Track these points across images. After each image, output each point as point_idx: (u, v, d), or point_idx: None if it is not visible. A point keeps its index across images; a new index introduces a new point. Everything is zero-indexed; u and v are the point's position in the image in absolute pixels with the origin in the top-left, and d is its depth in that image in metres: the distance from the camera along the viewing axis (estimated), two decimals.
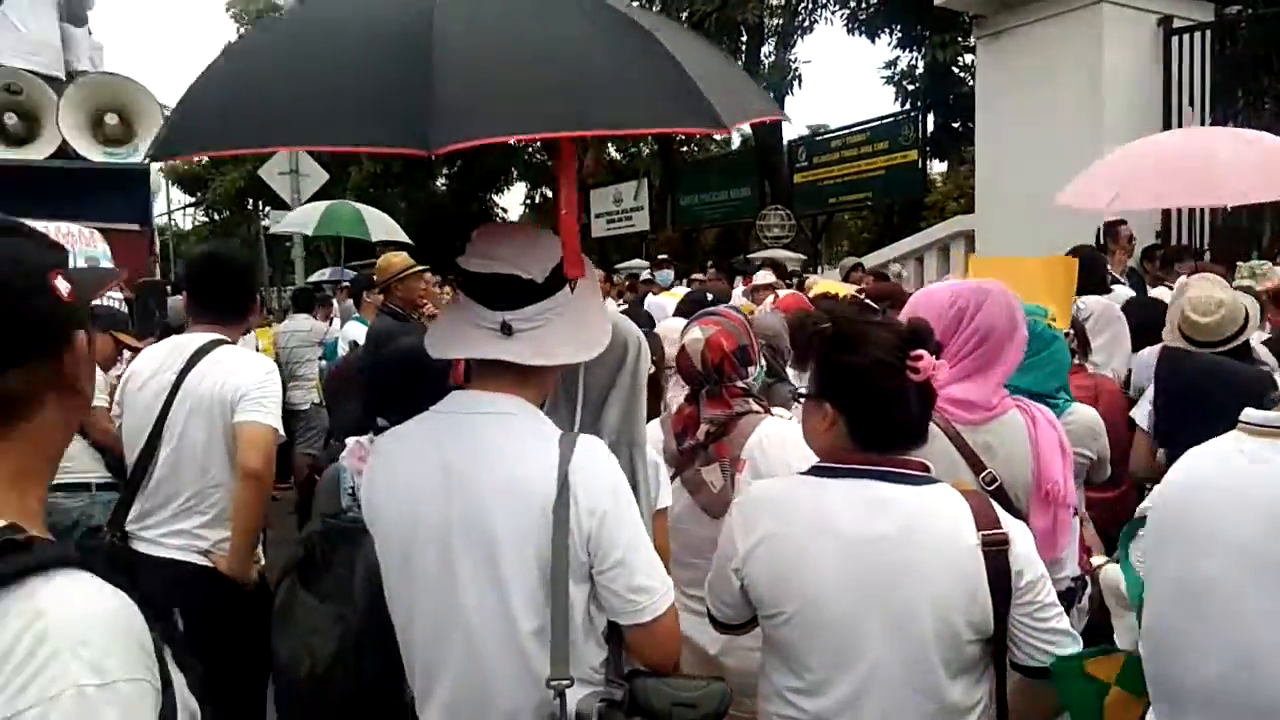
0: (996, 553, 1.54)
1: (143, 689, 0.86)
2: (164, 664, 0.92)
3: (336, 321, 8.44)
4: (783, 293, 6.36)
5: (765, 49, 20.02)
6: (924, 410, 1.64)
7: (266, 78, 1.38)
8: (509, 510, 1.47)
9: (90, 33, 6.21)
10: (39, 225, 3.54)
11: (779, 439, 2.35)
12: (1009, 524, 1.59)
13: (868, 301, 5.25)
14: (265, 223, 25.59)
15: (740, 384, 2.45)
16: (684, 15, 17.82)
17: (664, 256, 13.14)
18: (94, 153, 5.38)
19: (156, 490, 2.73)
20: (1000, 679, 1.63)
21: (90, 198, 5.36)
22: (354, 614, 1.91)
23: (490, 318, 1.52)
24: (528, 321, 1.51)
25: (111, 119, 5.40)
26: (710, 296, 5.95)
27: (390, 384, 2.16)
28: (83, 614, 0.86)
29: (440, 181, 27.42)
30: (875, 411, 1.61)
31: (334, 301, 9.49)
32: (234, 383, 2.72)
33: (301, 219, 9.96)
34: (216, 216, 32.61)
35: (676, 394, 2.94)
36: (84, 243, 4.69)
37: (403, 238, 9.58)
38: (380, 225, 9.59)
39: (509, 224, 2.25)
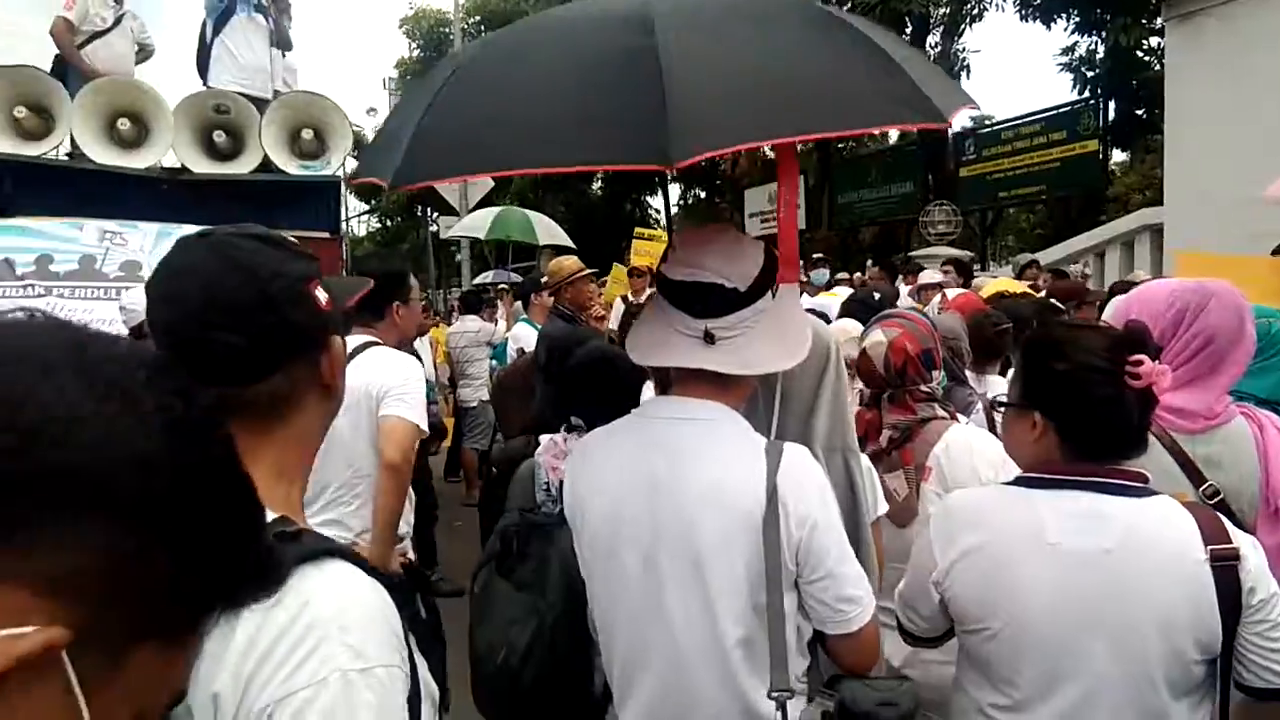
0: (1226, 568, 1.44)
1: (395, 674, 0.91)
2: (410, 649, 0.98)
3: (501, 323, 8.78)
4: (953, 292, 6.13)
5: (931, 39, 19.37)
6: (1143, 418, 1.55)
7: (499, 103, 1.45)
8: (715, 518, 1.47)
9: (284, 55, 6.69)
10: None
11: (965, 446, 2.28)
12: (1239, 538, 1.48)
13: (1053, 301, 5.01)
14: (433, 228, 26.97)
15: (924, 388, 2.39)
16: (845, 9, 17.46)
17: (820, 256, 12.91)
18: (291, 166, 5.77)
19: (312, 481, 2.91)
20: (1224, 699, 1.51)
21: (288, 208, 5.75)
22: (548, 606, 1.98)
23: (693, 325, 1.52)
24: (730, 330, 1.51)
25: (307, 134, 5.79)
26: (877, 296, 5.78)
27: (580, 384, 2.23)
28: (346, 601, 0.91)
29: (595, 185, 28.00)
30: (1090, 420, 1.53)
31: (499, 303, 9.87)
32: (379, 380, 2.88)
33: (474, 224, 10.46)
34: (389, 222, 34.53)
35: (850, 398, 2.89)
36: None
37: (566, 241, 9.88)
38: (546, 230, 9.94)
39: (709, 229, 2.24)
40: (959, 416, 2.51)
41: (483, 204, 13.25)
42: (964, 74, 18.56)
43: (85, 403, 0.47)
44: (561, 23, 1.59)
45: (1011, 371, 1.99)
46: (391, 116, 1.91)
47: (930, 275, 7.93)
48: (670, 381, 1.64)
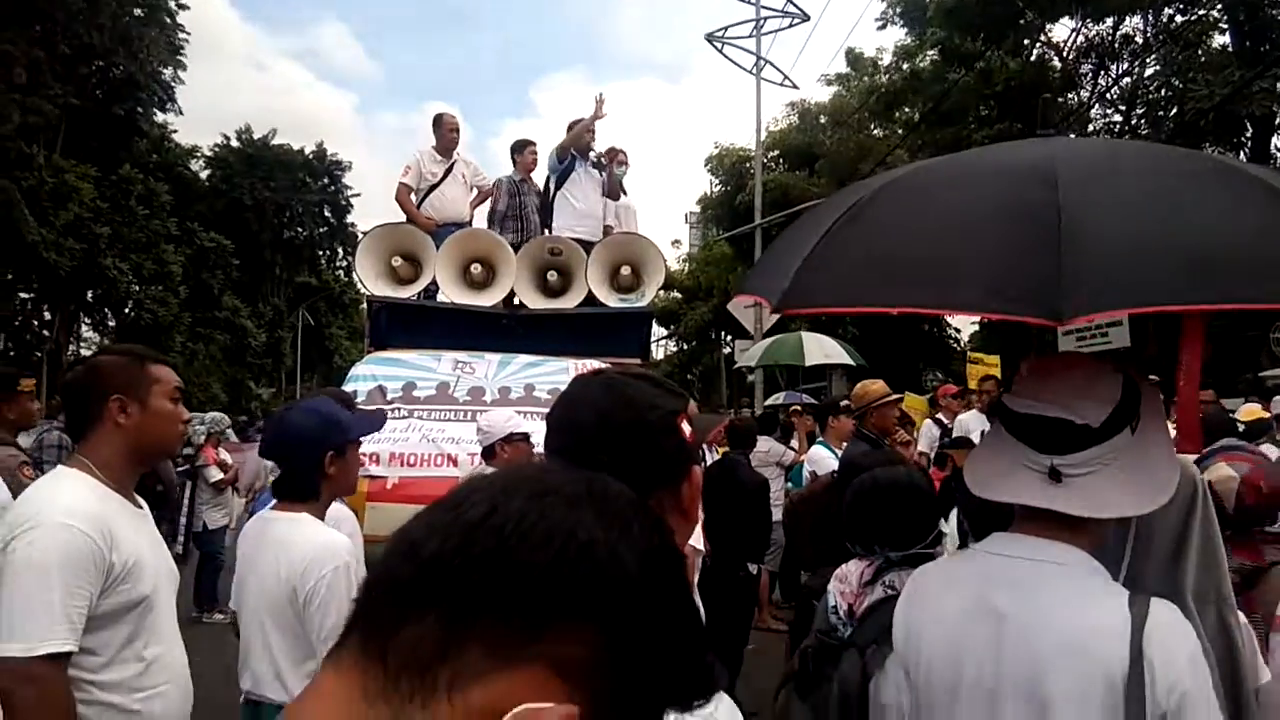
0: None
1: None
2: None
3: (794, 442, 8.93)
4: None
5: (1276, 140, 17.44)
6: None
7: (888, 243, 1.49)
8: (1070, 673, 1.34)
9: (618, 199, 7.47)
10: (568, 362, 4.33)
11: None
12: None
13: None
14: (726, 350, 27.82)
15: (1274, 530, 2.19)
16: (1173, 113, 16.25)
17: (1154, 378, 11.60)
18: (610, 299, 6.36)
19: None
20: None
21: (605, 337, 6.31)
22: None
23: (1037, 460, 1.43)
24: (1078, 468, 1.40)
25: (625, 270, 6.40)
26: (1242, 427, 5.00)
27: (873, 513, 2.29)
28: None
29: None
30: None
31: (793, 425, 9.99)
32: None
33: (751, 354, 11.20)
34: (685, 346, 36.11)
35: None
36: None
37: (844, 359, 9.86)
38: (818, 350, 9.92)
39: (1061, 358, 1.70)
40: None
41: (776, 327, 13.60)
42: None
43: (598, 530, 0.59)
44: (964, 169, 1.61)
45: None
46: (779, 241, 1.95)
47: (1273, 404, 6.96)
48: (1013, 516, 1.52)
